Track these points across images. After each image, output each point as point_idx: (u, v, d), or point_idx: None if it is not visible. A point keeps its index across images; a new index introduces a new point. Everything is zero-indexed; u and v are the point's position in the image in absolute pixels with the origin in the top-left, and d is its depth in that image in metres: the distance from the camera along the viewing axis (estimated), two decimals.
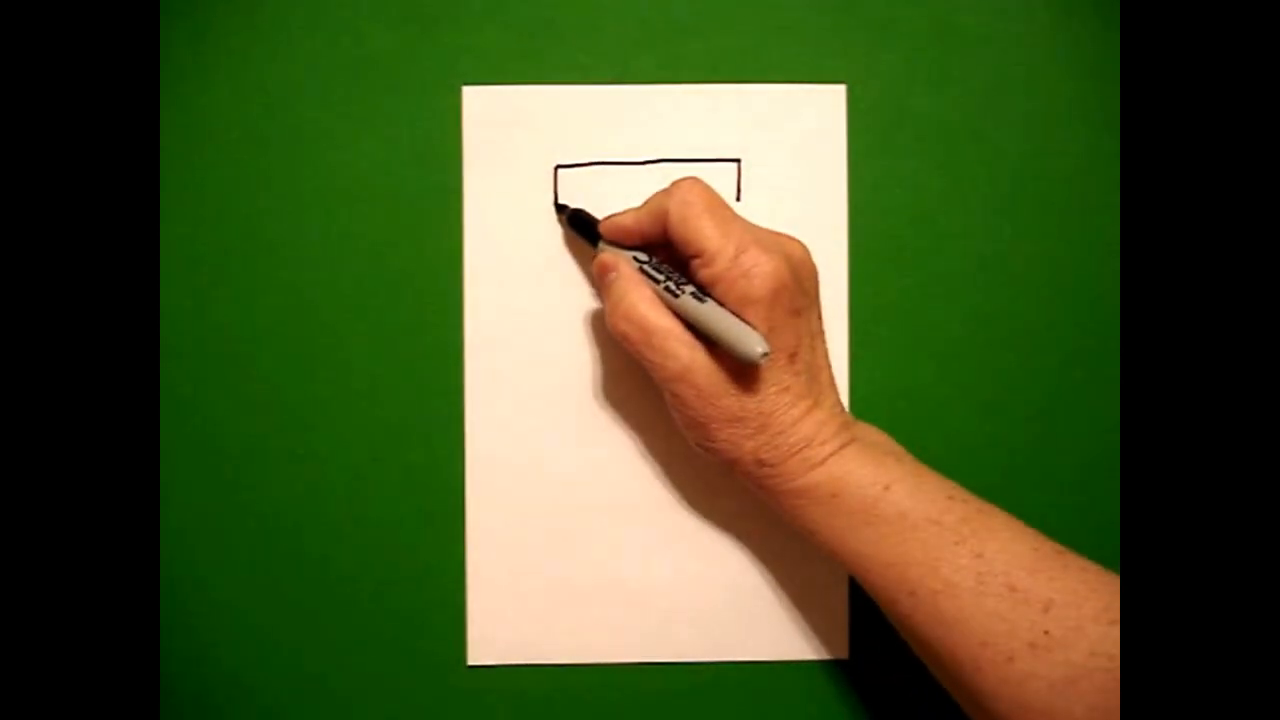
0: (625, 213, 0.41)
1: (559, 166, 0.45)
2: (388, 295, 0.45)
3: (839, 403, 0.41)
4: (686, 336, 0.39)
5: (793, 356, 0.39)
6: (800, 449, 0.39)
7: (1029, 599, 0.36)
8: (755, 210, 0.44)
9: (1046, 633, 0.35)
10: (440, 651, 0.45)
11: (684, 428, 0.40)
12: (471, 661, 0.45)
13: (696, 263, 0.39)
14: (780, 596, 0.45)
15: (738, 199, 0.45)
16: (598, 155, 0.45)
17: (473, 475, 0.45)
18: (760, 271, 0.38)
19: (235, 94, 0.44)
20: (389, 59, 0.45)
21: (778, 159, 0.45)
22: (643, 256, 0.41)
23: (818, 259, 0.41)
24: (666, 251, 0.41)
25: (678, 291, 0.39)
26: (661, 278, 0.39)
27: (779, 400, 0.38)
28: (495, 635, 0.45)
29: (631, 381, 0.45)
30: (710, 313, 0.38)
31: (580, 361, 0.45)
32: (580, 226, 0.43)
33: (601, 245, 0.42)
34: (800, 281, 0.39)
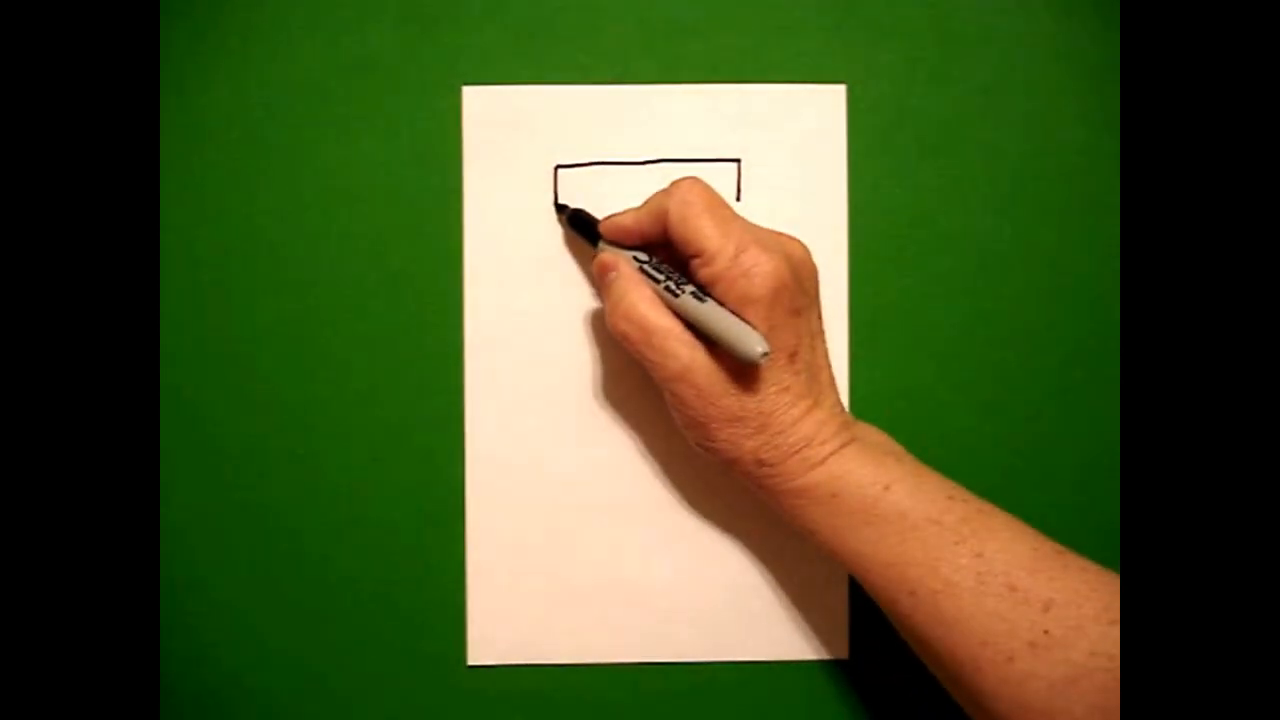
0: (625, 212, 0.41)
1: (559, 166, 0.45)
2: (388, 295, 0.45)
3: (839, 402, 0.41)
4: (686, 336, 0.39)
5: (793, 356, 0.39)
6: (800, 449, 0.39)
7: (1029, 599, 0.36)
8: (755, 210, 0.44)
9: (1046, 632, 0.35)
10: (440, 651, 0.45)
11: (684, 427, 0.40)
12: (471, 661, 0.45)
13: (696, 262, 0.39)
14: (780, 596, 0.45)
15: (738, 199, 0.45)
16: (598, 155, 0.45)
17: (473, 475, 0.45)
18: (760, 271, 0.38)
19: (235, 94, 0.44)
20: (389, 59, 0.45)
21: (778, 159, 0.45)
22: (643, 256, 0.41)
23: (818, 259, 0.41)
24: (666, 251, 0.41)
25: (678, 291, 0.39)
26: (661, 277, 0.39)
27: (779, 400, 0.38)
28: (495, 635, 0.45)
29: (631, 381, 0.45)
30: (710, 312, 0.38)
31: (580, 361, 0.45)
32: (580, 226, 0.43)
33: (601, 245, 0.42)
34: (800, 281, 0.39)
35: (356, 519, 0.45)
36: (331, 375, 0.45)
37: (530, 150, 0.45)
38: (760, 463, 0.39)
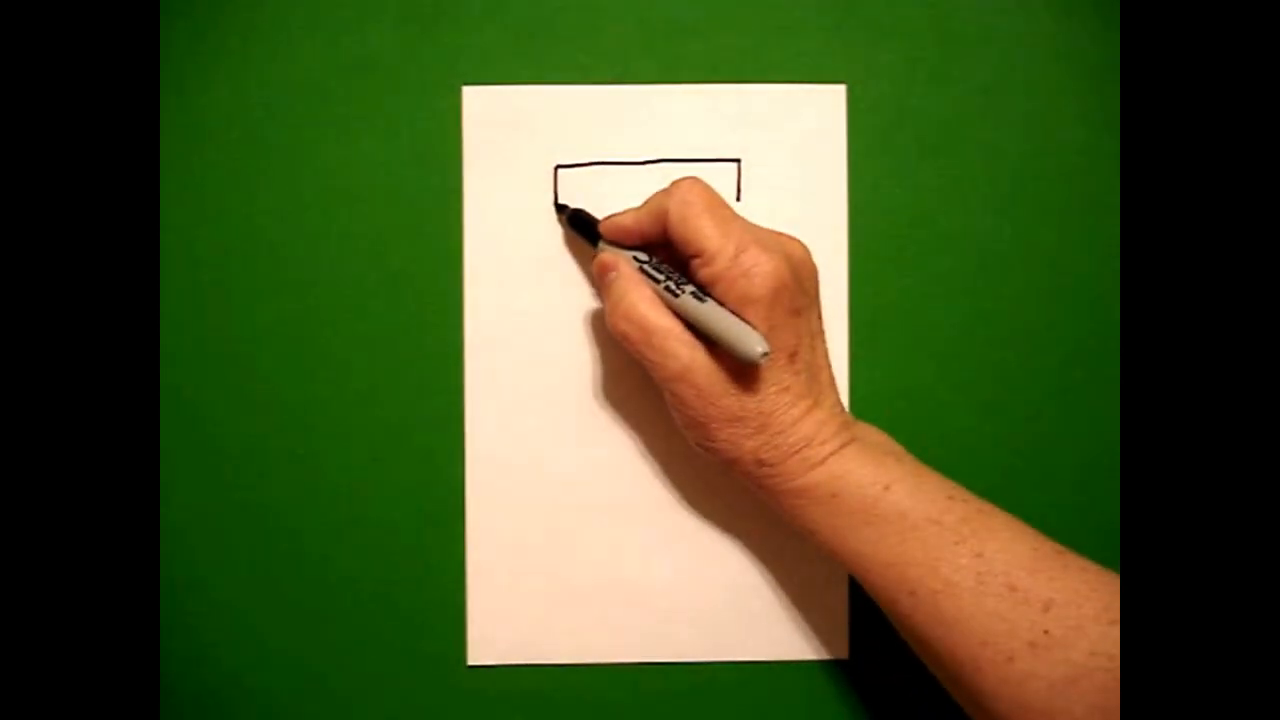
0: (625, 212, 0.41)
1: (559, 166, 0.45)
2: (388, 295, 0.45)
3: (839, 402, 0.41)
4: (686, 336, 0.39)
5: (793, 356, 0.39)
6: (800, 449, 0.39)
7: (1029, 599, 0.36)
8: (755, 210, 0.44)
9: (1046, 632, 0.35)
10: (440, 651, 0.45)
11: (684, 427, 0.40)
12: (471, 661, 0.45)
13: (696, 262, 0.39)
14: (780, 596, 0.45)
15: (738, 199, 0.45)
16: (598, 155, 0.45)
17: (473, 475, 0.45)
18: (760, 271, 0.38)
19: (235, 94, 0.44)
20: (389, 59, 0.45)
21: (778, 159, 0.45)
22: (643, 256, 0.41)
23: (818, 259, 0.41)
24: (667, 251, 0.41)
25: (678, 291, 0.39)
26: (661, 277, 0.39)
27: (779, 400, 0.38)
28: (495, 635, 0.45)
29: (631, 381, 0.45)
30: (710, 312, 0.38)
31: (580, 361, 0.45)
32: (580, 226, 0.43)
33: (602, 245, 0.42)
34: (800, 281, 0.39)
35: (356, 519, 0.45)
36: (331, 375, 0.45)
37: (530, 150, 0.45)
38: (760, 463, 0.39)
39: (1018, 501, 0.39)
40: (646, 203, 0.41)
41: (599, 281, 0.42)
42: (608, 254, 0.41)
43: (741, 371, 0.38)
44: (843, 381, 0.45)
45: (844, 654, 0.45)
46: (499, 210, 0.45)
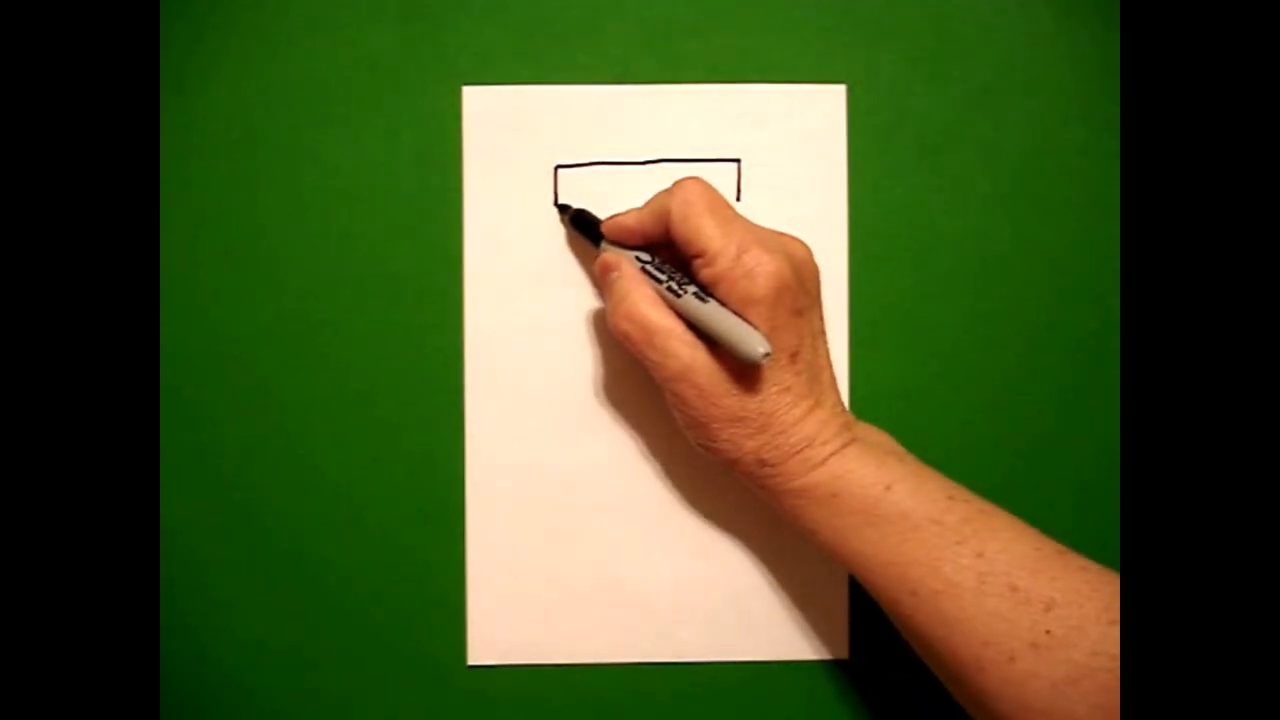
0: (628, 213, 0.41)
1: (559, 166, 0.45)
2: (388, 296, 0.45)
3: (840, 403, 0.41)
4: (688, 336, 0.39)
5: (794, 356, 0.39)
6: (801, 449, 0.39)
7: (1030, 599, 0.36)
8: (755, 210, 0.44)
9: (1048, 632, 0.35)
10: (440, 651, 0.45)
11: (685, 427, 0.40)
12: (471, 661, 0.45)
13: (698, 262, 0.39)
14: (780, 596, 0.45)
15: (738, 199, 0.45)
16: (598, 155, 0.45)
17: (473, 475, 0.45)
18: (762, 271, 0.38)
19: (235, 94, 0.44)
20: (389, 59, 0.45)
21: (778, 159, 0.45)
22: (645, 256, 0.41)
23: (818, 259, 0.41)
24: (669, 251, 0.41)
25: (680, 291, 0.39)
26: (664, 278, 0.39)
27: (780, 400, 0.38)
28: (495, 635, 0.45)
29: (632, 381, 0.45)
30: (712, 313, 0.38)
31: (580, 361, 0.45)
32: (583, 226, 0.43)
33: (604, 245, 0.42)
34: (802, 281, 0.39)
35: (356, 519, 0.45)
36: (331, 375, 0.45)
37: (530, 150, 0.45)
38: (761, 463, 0.39)
39: (1018, 501, 0.39)
40: (649, 203, 0.41)
41: (601, 281, 0.42)
42: (610, 254, 0.41)
43: (743, 372, 0.38)
44: (843, 381, 0.45)
45: (844, 654, 0.45)
46: (499, 210, 0.45)
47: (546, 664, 0.45)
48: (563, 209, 0.44)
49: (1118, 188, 0.45)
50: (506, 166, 0.45)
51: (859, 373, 0.45)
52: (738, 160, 0.45)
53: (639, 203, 0.42)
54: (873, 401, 0.45)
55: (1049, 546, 0.37)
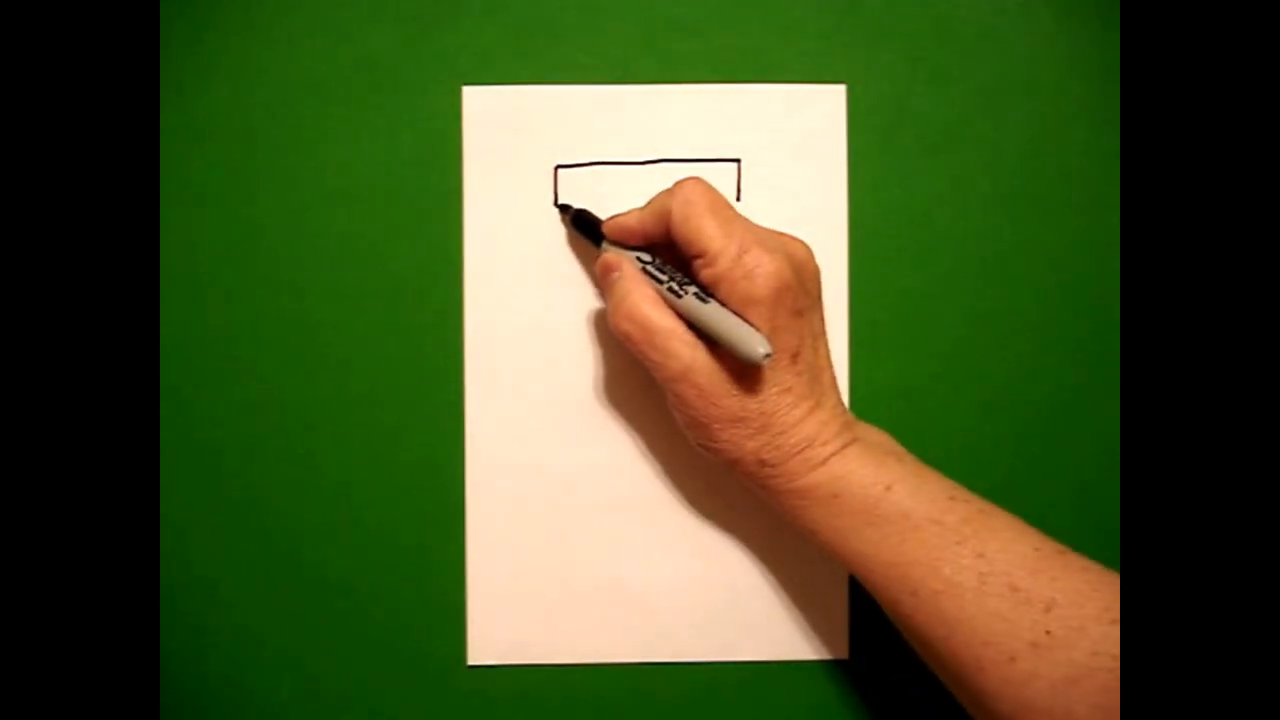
0: (629, 213, 0.41)
1: (559, 166, 0.45)
2: (388, 295, 0.45)
3: (841, 403, 0.41)
4: (689, 336, 0.39)
5: (795, 357, 0.39)
6: (802, 449, 0.39)
7: (1031, 599, 0.36)
8: (755, 210, 0.44)
9: (1048, 632, 0.35)
10: (440, 651, 0.45)
11: (685, 428, 0.40)
12: (471, 661, 0.45)
13: (699, 263, 0.39)
14: (780, 596, 0.45)
15: (738, 199, 0.45)
16: (598, 155, 0.45)
17: (473, 475, 0.45)
18: (763, 272, 0.38)
19: (235, 94, 0.44)
20: (389, 59, 0.45)
21: (778, 159, 0.45)
22: (646, 257, 0.41)
23: (818, 259, 0.41)
24: (670, 252, 0.41)
25: (680, 292, 0.39)
26: (664, 278, 0.39)
27: (781, 401, 0.38)
28: (495, 635, 0.45)
29: (632, 381, 0.45)
30: (713, 313, 0.38)
31: (581, 361, 0.45)
32: (584, 226, 0.43)
33: (605, 245, 0.42)
34: (803, 282, 0.39)
35: (356, 519, 0.45)
36: (331, 376, 0.45)
37: (530, 150, 0.45)
38: (762, 463, 0.39)
39: (1018, 501, 0.39)
40: (649, 203, 0.41)
41: (602, 281, 0.42)
42: (611, 254, 0.41)
43: (743, 372, 0.38)
44: (843, 381, 0.45)
45: (844, 654, 0.45)
46: (499, 210, 0.45)
47: (546, 664, 0.45)
48: (563, 209, 0.44)
49: (1118, 188, 0.45)
50: (506, 166, 0.45)
51: (859, 373, 0.45)
52: (738, 160, 0.45)
53: (639, 203, 0.42)
54: (873, 401, 0.45)
55: (1049, 546, 0.37)
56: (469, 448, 0.45)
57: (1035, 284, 0.45)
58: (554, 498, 0.45)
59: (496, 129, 0.45)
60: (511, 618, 0.45)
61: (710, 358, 0.38)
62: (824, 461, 0.39)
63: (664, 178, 0.43)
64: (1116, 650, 0.34)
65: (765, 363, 0.37)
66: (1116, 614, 0.35)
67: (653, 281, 0.40)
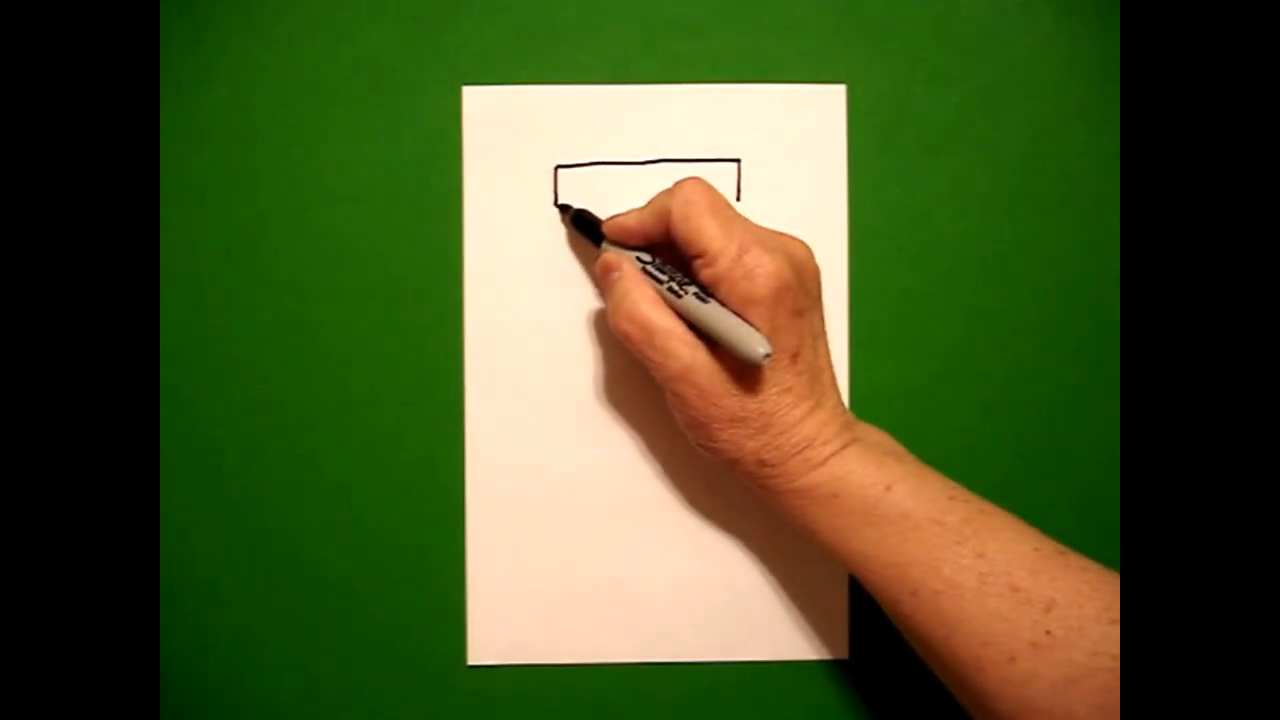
0: (629, 213, 0.41)
1: (559, 166, 0.45)
2: (388, 296, 0.45)
3: (841, 403, 0.41)
4: (688, 336, 0.39)
5: (795, 357, 0.39)
6: (802, 449, 0.39)
7: (1031, 599, 0.36)
8: (755, 210, 0.44)
9: (1048, 632, 0.35)
10: (440, 651, 0.45)
11: (685, 428, 0.40)
12: (471, 661, 0.45)
13: (699, 263, 0.39)
14: (780, 596, 0.45)
15: (738, 199, 0.45)
16: (598, 155, 0.45)
17: (473, 475, 0.45)
18: (763, 272, 0.38)
19: (235, 94, 0.44)
20: (389, 59, 0.45)
21: (778, 159, 0.45)
22: (646, 257, 0.41)
23: (818, 259, 0.41)
24: (670, 252, 0.41)
25: (680, 292, 0.39)
26: (664, 278, 0.39)
27: (781, 401, 0.38)
28: (495, 635, 0.45)
29: (632, 381, 0.45)
30: (713, 313, 0.38)
31: (580, 361, 0.45)
32: (584, 226, 0.43)
33: (605, 245, 0.42)
34: (803, 282, 0.39)
35: (356, 519, 0.45)
36: (331, 376, 0.45)
37: (530, 150, 0.45)
38: (762, 463, 0.39)
39: (1018, 501, 0.39)
40: (650, 203, 0.41)
41: (602, 281, 0.42)
42: (611, 254, 0.41)
43: (743, 372, 0.38)
44: (843, 381, 0.45)
45: (844, 654, 0.45)
46: (499, 210, 0.45)
47: (546, 664, 0.45)
48: (563, 209, 0.44)
49: (1118, 188, 0.45)
50: (506, 166, 0.45)
51: (859, 373, 0.45)
52: (738, 160, 0.45)
53: (639, 203, 0.42)
54: (873, 401, 0.45)
55: (1049, 547, 0.37)
56: (469, 448, 0.45)
57: (1035, 284, 0.45)
58: (554, 498, 0.45)
59: (496, 129, 0.45)
60: (511, 618, 0.45)
61: (710, 358, 0.38)
62: (824, 461, 0.39)
63: (664, 178, 0.43)
64: (1116, 650, 0.34)
65: (765, 363, 0.37)
66: (1116, 614, 0.35)
67: (653, 281, 0.40)
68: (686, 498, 0.45)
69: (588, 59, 0.45)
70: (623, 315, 0.39)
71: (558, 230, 0.45)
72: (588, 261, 0.44)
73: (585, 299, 0.45)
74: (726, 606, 0.45)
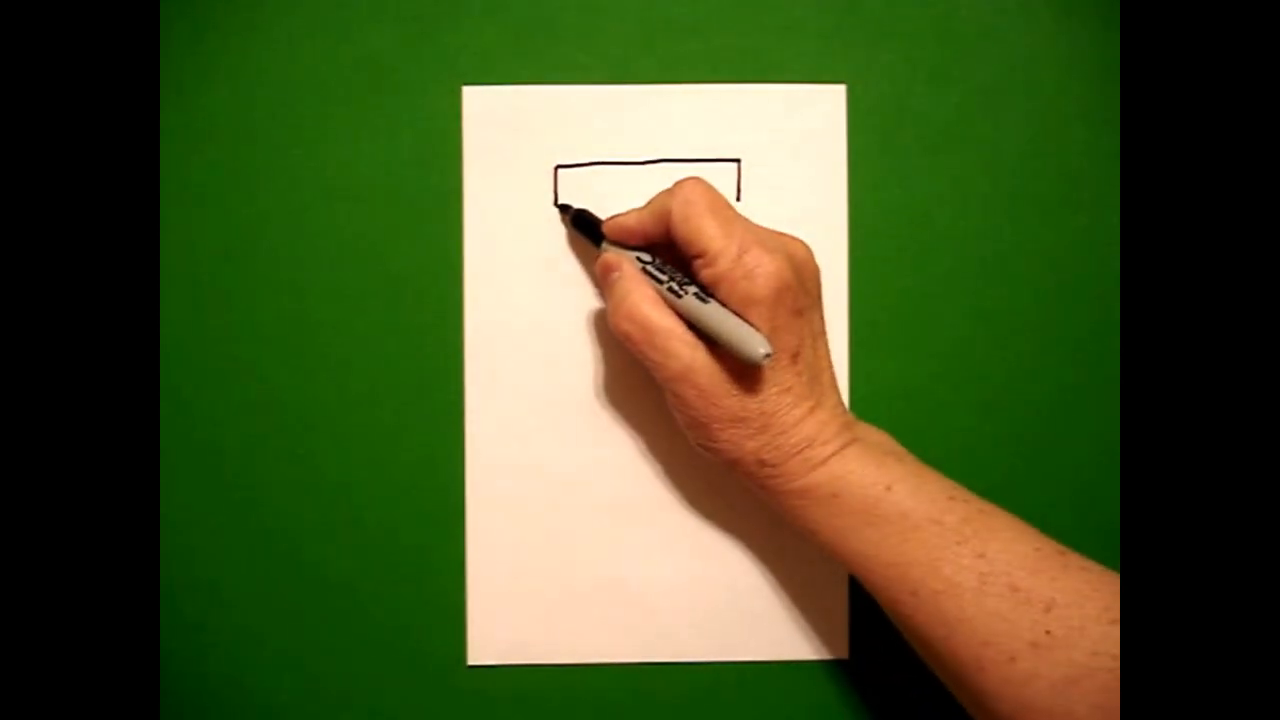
0: (629, 213, 0.41)
1: (559, 166, 0.45)
2: (387, 296, 0.45)
3: (841, 403, 0.41)
4: (689, 336, 0.39)
5: (795, 357, 0.39)
6: (802, 449, 0.39)
7: (1031, 599, 0.36)
8: (755, 210, 0.44)
9: (1048, 632, 0.35)
10: (440, 651, 0.45)
11: (685, 428, 0.40)
12: (471, 661, 0.45)
13: (699, 263, 0.39)
14: (780, 596, 0.45)
15: (738, 199, 0.45)
16: (598, 155, 0.45)
17: (473, 475, 0.45)
18: (763, 272, 0.38)
19: (235, 94, 0.44)
20: (389, 59, 0.45)
21: (778, 159, 0.45)
22: (646, 257, 0.41)
23: (818, 259, 0.41)
24: (670, 252, 0.41)
25: (681, 292, 0.39)
26: (664, 278, 0.39)
27: (781, 401, 0.38)
28: (495, 635, 0.45)
29: (632, 381, 0.45)
30: (713, 313, 0.38)
31: (580, 361, 0.45)
32: (584, 226, 0.43)
33: (605, 245, 0.42)
34: (803, 282, 0.39)
35: (356, 519, 0.45)
36: (331, 375, 0.45)
37: (530, 150, 0.45)
38: (762, 463, 0.39)
39: (1018, 501, 0.39)
40: (650, 203, 0.41)
41: (602, 281, 0.42)
42: (611, 254, 0.41)
43: (744, 372, 0.38)
44: (843, 381, 0.45)
45: (844, 654, 0.45)
46: (499, 210, 0.45)
47: (546, 664, 0.45)
48: (564, 209, 0.44)
49: (1118, 188, 0.45)
50: (506, 166, 0.45)
51: (859, 373, 0.45)
52: (738, 160, 0.45)
53: (639, 203, 0.42)
54: (873, 401, 0.45)
55: (1049, 546, 0.37)
56: (469, 448, 0.45)
57: (1035, 284, 0.45)
58: (554, 498, 0.45)
59: (496, 129, 0.45)
60: (511, 618, 0.45)
61: (710, 358, 0.38)
62: (824, 461, 0.39)
63: (664, 178, 0.43)
64: (1117, 650, 0.34)
65: (765, 363, 0.37)
66: (1117, 614, 0.35)
67: (653, 281, 0.40)
68: (686, 498, 0.45)
69: (588, 59, 0.45)
70: (623, 315, 0.39)
71: (558, 230, 0.45)
72: (588, 262, 0.44)
73: (585, 299, 0.45)
74: (726, 606, 0.45)
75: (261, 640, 0.45)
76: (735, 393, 0.38)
